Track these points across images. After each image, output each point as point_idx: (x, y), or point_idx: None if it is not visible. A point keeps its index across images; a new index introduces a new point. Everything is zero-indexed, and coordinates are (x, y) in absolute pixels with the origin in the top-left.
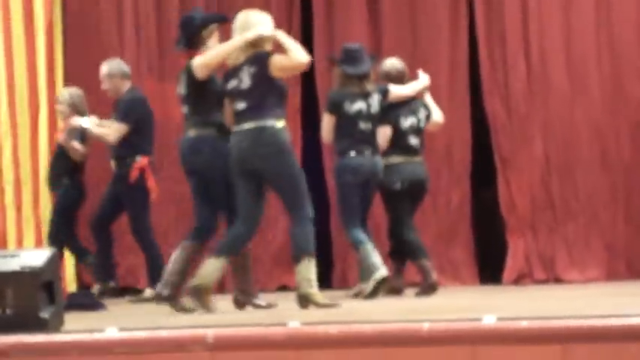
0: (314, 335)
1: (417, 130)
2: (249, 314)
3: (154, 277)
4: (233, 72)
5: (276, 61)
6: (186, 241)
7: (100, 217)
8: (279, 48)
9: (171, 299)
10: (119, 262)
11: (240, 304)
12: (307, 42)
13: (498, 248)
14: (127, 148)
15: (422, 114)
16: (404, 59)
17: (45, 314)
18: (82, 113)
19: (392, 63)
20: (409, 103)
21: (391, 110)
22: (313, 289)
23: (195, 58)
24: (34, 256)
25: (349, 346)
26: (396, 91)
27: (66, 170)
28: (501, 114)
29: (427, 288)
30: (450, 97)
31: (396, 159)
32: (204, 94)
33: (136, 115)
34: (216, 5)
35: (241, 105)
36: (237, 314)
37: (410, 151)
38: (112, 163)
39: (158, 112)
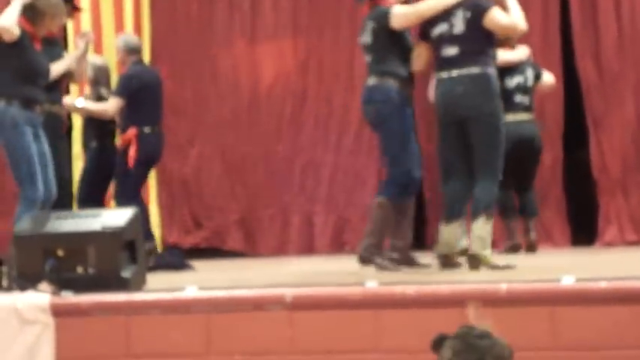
0: (391, 296)
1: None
2: (328, 275)
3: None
4: (442, 16)
5: (496, 15)
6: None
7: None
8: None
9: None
10: None
11: (365, 260)
12: None
13: (591, 210)
14: (125, 121)
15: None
16: None
17: (126, 273)
18: (101, 85)
19: None
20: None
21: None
22: (486, 250)
23: (396, 6)
24: (116, 216)
25: (426, 307)
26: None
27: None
28: (593, 74)
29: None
30: (542, 58)
31: None
32: (392, 44)
33: (129, 89)
34: None
35: (452, 50)
36: (316, 275)
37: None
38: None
39: (249, 74)
